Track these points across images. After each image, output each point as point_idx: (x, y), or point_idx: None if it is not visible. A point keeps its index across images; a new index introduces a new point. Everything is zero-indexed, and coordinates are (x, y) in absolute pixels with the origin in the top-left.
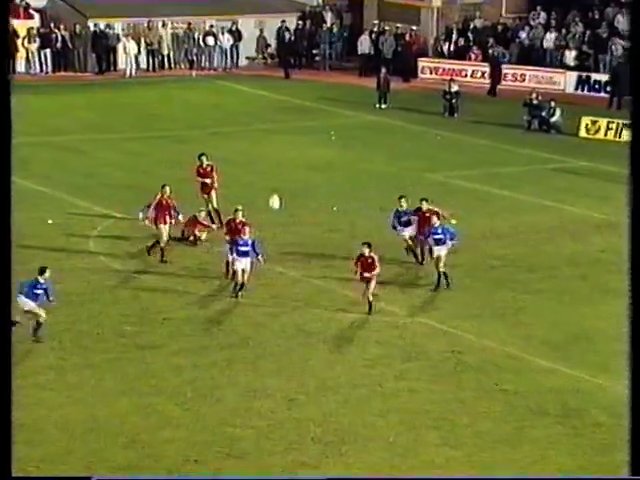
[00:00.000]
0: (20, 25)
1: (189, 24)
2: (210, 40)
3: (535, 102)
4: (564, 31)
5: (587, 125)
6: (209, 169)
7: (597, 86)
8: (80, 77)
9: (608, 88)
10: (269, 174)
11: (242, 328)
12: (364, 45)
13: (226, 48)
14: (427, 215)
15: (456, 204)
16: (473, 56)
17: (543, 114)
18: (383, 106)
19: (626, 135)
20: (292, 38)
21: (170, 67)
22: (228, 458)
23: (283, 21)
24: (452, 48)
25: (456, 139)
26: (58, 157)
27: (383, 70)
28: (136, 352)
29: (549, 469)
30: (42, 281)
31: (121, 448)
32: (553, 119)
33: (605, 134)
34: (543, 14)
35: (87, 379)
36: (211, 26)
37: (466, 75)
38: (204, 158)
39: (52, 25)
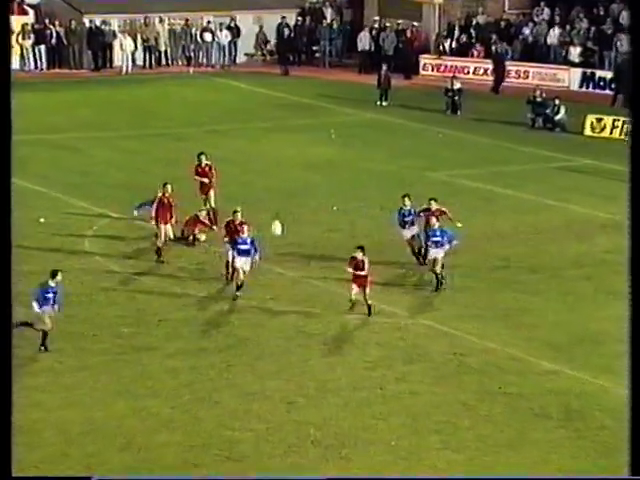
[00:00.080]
0: (14, 21)
1: (186, 20)
2: (207, 36)
3: (539, 99)
4: (568, 27)
5: (592, 123)
6: (207, 168)
7: (602, 83)
8: (75, 74)
9: (613, 85)
10: (268, 173)
11: (240, 329)
12: (364, 41)
13: (224, 44)
14: (436, 215)
15: (458, 203)
16: (475, 53)
17: (547, 112)
18: (384, 103)
19: None
20: (291, 34)
21: (167, 64)
22: (226, 461)
23: (283, 17)
24: (454, 45)
25: (458, 137)
26: (53, 155)
27: (384, 67)
28: (132, 354)
29: (552, 472)
30: (53, 285)
31: (117, 451)
32: (557, 117)
33: (610, 132)
34: (547, 10)
35: (83, 381)
36: (208, 22)
37: (468, 72)
38: (203, 157)
39: (47, 21)
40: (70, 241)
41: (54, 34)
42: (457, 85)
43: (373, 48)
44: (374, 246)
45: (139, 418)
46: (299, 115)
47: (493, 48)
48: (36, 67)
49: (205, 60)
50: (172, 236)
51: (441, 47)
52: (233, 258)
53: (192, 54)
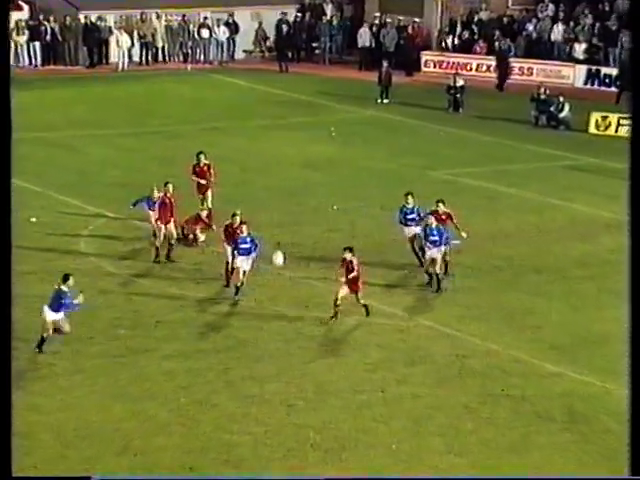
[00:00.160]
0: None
1: (184, 16)
2: (205, 32)
3: (543, 97)
4: (573, 23)
5: (597, 121)
6: (206, 168)
7: (607, 80)
8: (70, 71)
9: (618, 82)
10: (266, 171)
11: (239, 331)
12: (364, 38)
13: (222, 41)
14: (443, 218)
15: (460, 202)
16: (478, 49)
17: (551, 109)
18: (385, 101)
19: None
20: (290, 31)
21: (164, 60)
22: (224, 465)
23: (284, 13)
24: (456, 41)
25: (461, 135)
26: (48, 154)
27: (385, 64)
28: (129, 356)
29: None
30: (65, 289)
31: (115, 455)
32: (562, 114)
33: (616, 130)
34: (551, 6)
35: (79, 384)
36: (205, 18)
37: (471, 69)
38: (202, 156)
39: (41, 17)
40: (65, 241)
41: (49, 30)
42: (460, 82)
43: (373, 44)
44: (375, 246)
45: (136, 421)
46: (298, 113)
47: (496, 44)
48: (30, 64)
49: (203, 57)
50: (175, 236)
51: (443, 43)
52: (233, 257)
53: (189, 51)
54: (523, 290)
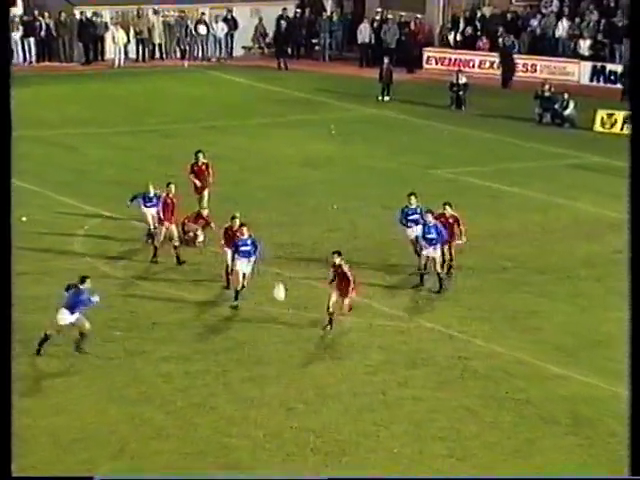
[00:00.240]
0: None
1: (181, 12)
2: (202, 29)
3: (547, 94)
4: (578, 19)
5: (602, 118)
6: (204, 167)
7: (613, 77)
8: (65, 67)
9: (624, 79)
10: (265, 170)
11: (237, 333)
12: (364, 34)
13: (220, 37)
14: (450, 221)
15: (463, 202)
16: (481, 46)
17: (556, 107)
18: (386, 98)
19: None
20: (289, 27)
21: (161, 57)
22: (222, 469)
23: (284, 9)
24: (459, 37)
25: (463, 133)
26: (44, 152)
27: (386, 60)
28: (125, 358)
29: None
30: (83, 289)
31: (110, 459)
32: (566, 112)
33: (622, 128)
34: (556, 1)
35: (74, 386)
36: (202, 14)
37: (474, 66)
38: (200, 155)
39: (36, 12)
40: (60, 241)
41: (43, 26)
42: (463, 80)
43: (374, 41)
44: (376, 246)
45: (132, 424)
46: (298, 110)
47: (500, 41)
48: (25, 60)
49: (200, 53)
50: (176, 237)
51: (445, 40)
52: (233, 260)
53: (187, 47)
54: (527, 291)
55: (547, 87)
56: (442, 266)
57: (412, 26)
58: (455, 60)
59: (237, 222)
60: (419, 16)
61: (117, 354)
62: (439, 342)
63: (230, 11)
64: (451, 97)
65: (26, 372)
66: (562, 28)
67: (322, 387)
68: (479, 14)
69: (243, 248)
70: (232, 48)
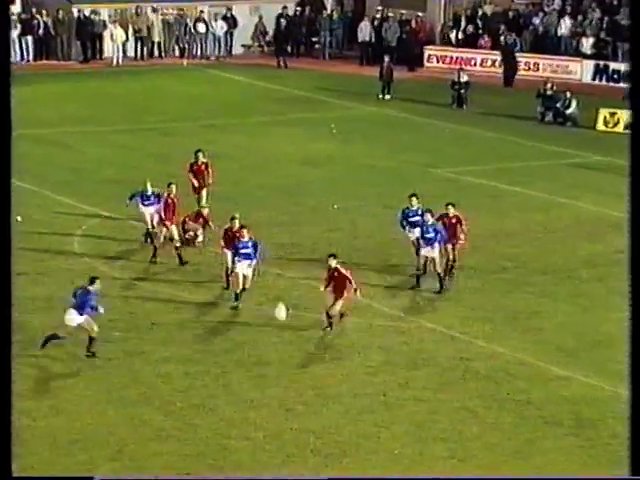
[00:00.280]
0: None
1: (181, 10)
2: (201, 27)
3: (549, 93)
4: (580, 17)
5: (605, 117)
6: (203, 167)
7: (616, 76)
8: (64, 66)
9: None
10: (265, 169)
11: (237, 333)
12: (364, 32)
13: (219, 35)
14: (453, 221)
15: (464, 201)
16: (483, 44)
17: (558, 105)
18: (386, 97)
19: None
20: (289, 25)
21: (160, 55)
22: (222, 471)
23: (285, 7)
24: (460, 35)
25: (464, 132)
26: (42, 151)
27: (386, 59)
28: (124, 359)
29: None
30: (92, 291)
31: (107, 460)
32: (569, 111)
33: (625, 127)
34: None
35: (72, 388)
36: (201, 12)
37: (475, 64)
38: (200, 154)
39: (34, 10)
40: (59, 241)
41: (41, 24)
42: (464, 78)
43: (374, 39)
44: (376, 246)
45: (131, 426)
46: (298, 109)
47: (502, 39)
48: (22, 59)
49: (200, 52)
50: (177, 237)
51: (447, 38)
52: (233, 263)
53: (186, 45)
54: (528, 291)
55: (549, 86)
56: (448, 266)
57: (413, 24)
58: (456, 58)
59: (237, 223)
60: (420, 14)
61: (116, 355)
62: (440, 343)
63: (229, 9)
64: (452, 95)
65: (25, 373)
66: (564, 26)
67: (322, 388)
68: (480, 12)
69: (243, 251)
70: (231, 46)
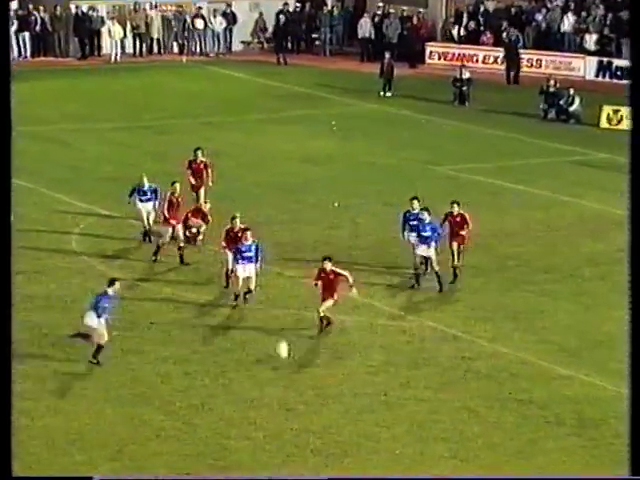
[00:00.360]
0: None
1: (180, 6)
2: (199, 23)
3: (552, 89)
4: (584, 14)
5: (609, 114)
6: (202, 165)
7: (619, 73)
8: (61, 62)
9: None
10: (264, 167)
11: (237, 333)
12: (364, 29)
13: (218, 32)
14: (458, 220)
15: (465, 199)
16: (485, 40)
17: (561, 102)
18: (387, 94)
19: None
20: (287, 21)
21: (159, 52)
22: (222, 471)
23: (285, 3)
24: (462, 32)
25: (466, 129)
26: (40, 149)
27: (387, 55)
28: (122, 358)
29: None
30: (111, 293)
31: (107, 460)
32: (572, 108)
33: (629, 125)
34: None
35: (70, 387)
36: (199, 8)
37: (477, 61)
38: (199, 152)
39: (31, 6)
40: (56, 239)
41: (39, 20)
42: (466, 75)
43: (374, 35)
44: (377, 244)
45: (130, 426)
46: (297, 106)
47: (504, 35)
48: (20, 55)
49: (199, 48)
50: (181, 237)
51: (448, 35)
52: (233, 265)
53: (185, 42)
54: (531, 290)
55: (552, 82)
56: (453, 267)
57: (414, 20)
58: (458, 55)
59: (238, 222)
60: (422, 10)
61: (115, 354)
62: (442, 342)
63: (229, 5)
64: (454, 92)
65: (22, 372)
66: (568, 22)
67: (322, 388)
68: (482, 8)
69: (246, 254)
70: (231, 43)
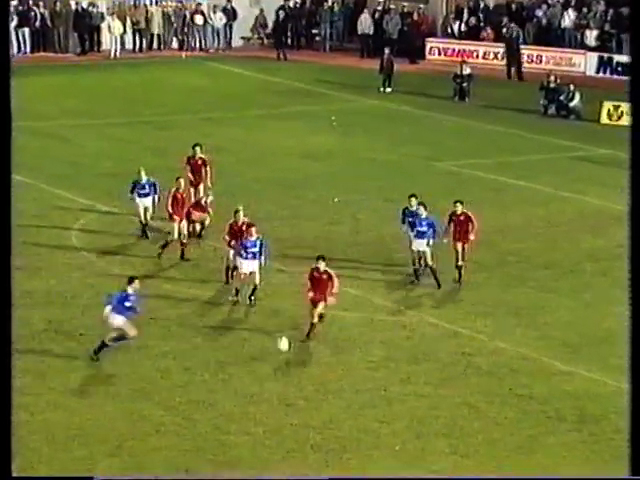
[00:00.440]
0: None
1: (180, 2)
2: (199, 19)
3: (553, 85)
4: (584, 9)
5: (609, 110)
6: (200, 162)
7: (620, 68)
8: (61, 58)
9: None
10: (264, 163)
11: (237, 328)
12: (364, 24)
13: (218, 28)
14: (462, 219)
15: (466, 195)
16: (485, 36)
17: (561, 98)
18: (387, 90)
19: None
20: (288, 17)
21: (159, 48)
22: (222, 467)
23: (286, 0)
24: (463, 28)
25: (466, 125)
26: (39, 144)
27: (387, 51)
28: (122, 354)
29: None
30: (132, 292)
31: (106, 456)
32: (572, 104)
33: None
34: None
35: (70, 383)
36: (199, 4)
37: (477, 56)
38: (198, 149)
39: (30, 2)
40: (56, 235)
41: (38, 16)
42: (467, 70)
43: (374, 31)
44: (378, 240)
45: (130, 421)
46: (297, 102)
47: (504, 31)
48: (19, 51)
49: (199, 44)
50: (185, 233)
51: (449, 30)
52: (235, 260)
53: (185, 38)
54: (531, 286)
55: (553, 78)
56: (457, 267)
57: (415, 16)
58: (459, 51)
59: (241, 216)
60: (422, 6)
61: (114, 349)
62: (442, 338)
63: (229, 1)
64: (455, 88)
65: (22, 368)
66: (568, 18)
67: (323, 383)
68: (483, 4)
69: (251, 250)
70: (231, 39)
